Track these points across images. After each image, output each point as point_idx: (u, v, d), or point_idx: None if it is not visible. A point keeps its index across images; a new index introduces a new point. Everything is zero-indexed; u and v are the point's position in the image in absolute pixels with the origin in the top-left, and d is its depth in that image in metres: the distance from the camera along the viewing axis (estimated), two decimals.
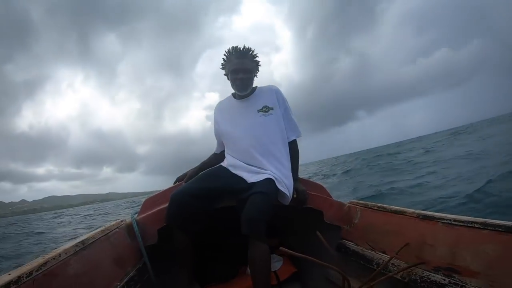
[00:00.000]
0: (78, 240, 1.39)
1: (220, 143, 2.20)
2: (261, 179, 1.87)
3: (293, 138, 2.09)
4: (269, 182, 1.85)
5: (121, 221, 1.85)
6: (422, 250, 1.47)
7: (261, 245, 1.59)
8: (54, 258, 1.17)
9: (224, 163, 2.09)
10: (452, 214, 1.47)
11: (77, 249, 1.32)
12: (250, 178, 1.91)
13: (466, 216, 1.39)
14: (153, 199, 2.06)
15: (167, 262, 2.02)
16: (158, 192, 2.11)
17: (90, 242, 1.43)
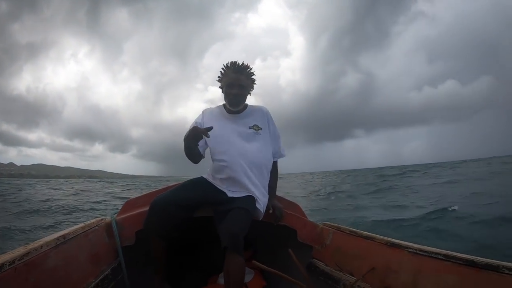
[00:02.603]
0: (59, 233, 1.42)
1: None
2: (242, 195, 1.95)
3: (276, 159, 2.18)
4: (250, 199, 1.94)
5: (101, 219, 1.89)
6: (387, 275, 1.55)
7: (238, 258, 1.66)
8: (36, 249, 1.20)
9: (206, 174, 2.14)
10: (415, 243, 1.57)
11: (58, 243, 1.35)
12: (231, 192, 1.98)
13: (430, 247, 1.49)
14: (134, 201, 2.10)
15: (142, 264, 2.05)
16: (139, 195, 2.16)
17: (70, 237, 1.47)
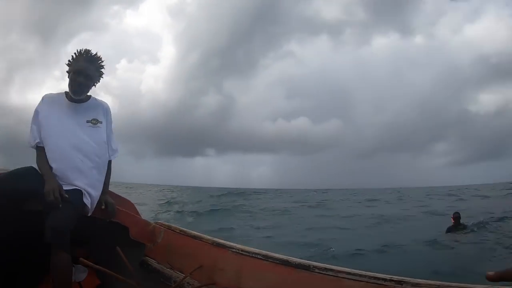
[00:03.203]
0: None
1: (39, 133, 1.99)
2: (70, 188, 1.85)
3: (112, 156, 2.15)
4: (77, 193, 1.85)
5: None
6: (213, 272, 1.74)
7: (63, 255, 1.59)
8: None
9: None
10: (239, 244, 1.82)
11: None
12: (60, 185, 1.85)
13: (251, 247, 1.75)
14: None
15: None
16: None
17: None
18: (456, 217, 8.15)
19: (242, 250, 1.72)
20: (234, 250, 1.74)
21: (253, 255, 1.65)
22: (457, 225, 8.08)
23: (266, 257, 1.59)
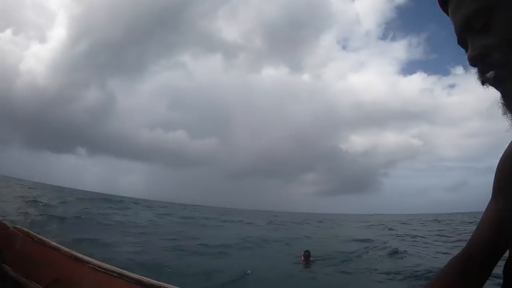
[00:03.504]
0: None
1: None
2: None
3: None
4: None
5: None
6: (70, 286, 1.79)
7: None
8: None
9: None
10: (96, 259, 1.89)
11: None
12: None
13: (107, 264, 1.85)
14: None
15: None
16: None
17: None
18: (306, 255, 9.00)
19: (98, 266, 1.79)
20: (91, 265, 1.80)
21: (109, 272, 1.74)
22: (307, 263, 8.92)
23: (121, 275, 1.69)
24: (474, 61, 0.56)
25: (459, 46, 0.60)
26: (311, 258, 9.11)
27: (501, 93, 0.56)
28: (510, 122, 0.56)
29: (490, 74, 0.55)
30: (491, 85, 0.56)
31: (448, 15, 0.60)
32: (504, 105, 0.56)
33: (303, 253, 9.15)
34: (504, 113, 0.56)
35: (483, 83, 0.56)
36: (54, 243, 1.96)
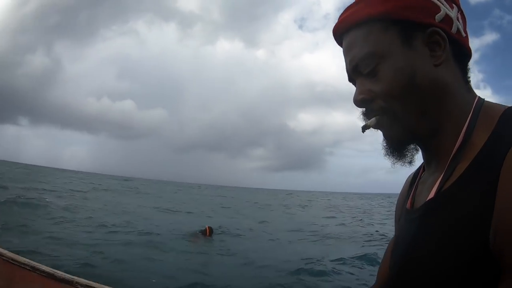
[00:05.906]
0: None
1: None
2: None
3: None
4: None
5: None
6: None
7: None
8: None
9: None
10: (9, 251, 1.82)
11: None
12: None
13: (21, 257, 1.78)
14: None
15: None
16: None
17: None
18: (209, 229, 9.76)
19: (12, 259, 1.73)
20: (4, 258, 1.74)
21: (23, 266, 1.70)
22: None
23: (34, 269, 1.66)
24: (359, 104, 0.59)
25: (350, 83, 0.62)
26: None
27: (383, 136, 0.60)
28: (391, 163, 0.60)
29: (372, 121, 0.57)
30: (374, 128, 0.58)
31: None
32: (385, 148, 0.60)
33: (207, 227, 9.89)
34: (386, 155, 0.60)
35: (363, 130, 0.59)
36: None
